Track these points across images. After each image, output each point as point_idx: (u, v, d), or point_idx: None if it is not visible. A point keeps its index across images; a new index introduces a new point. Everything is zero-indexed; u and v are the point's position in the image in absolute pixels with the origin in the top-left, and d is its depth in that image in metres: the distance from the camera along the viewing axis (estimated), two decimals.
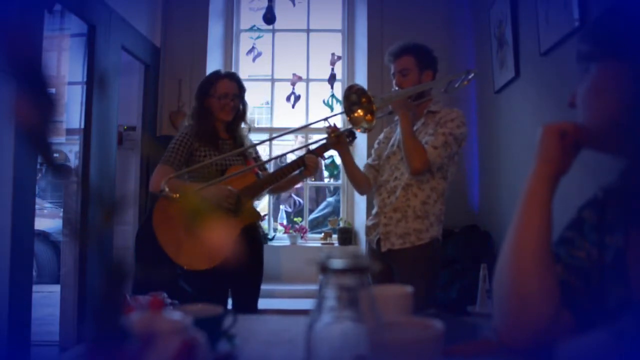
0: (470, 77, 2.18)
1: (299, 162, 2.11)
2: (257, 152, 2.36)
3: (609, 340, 0.57)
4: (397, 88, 2.08)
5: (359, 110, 1.96)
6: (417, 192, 2.00)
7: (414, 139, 1.96)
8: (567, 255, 0.76)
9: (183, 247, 1.99)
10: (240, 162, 2.18)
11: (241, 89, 2.25)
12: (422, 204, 1.99)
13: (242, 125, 2.28)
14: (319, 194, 4.30)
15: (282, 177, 2.15)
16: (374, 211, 2.14)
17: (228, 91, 2.18)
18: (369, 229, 2.14)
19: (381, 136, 2.27)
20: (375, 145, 2.26)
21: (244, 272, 2.16)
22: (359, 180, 2.18)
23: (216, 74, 2.25)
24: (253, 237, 2.22)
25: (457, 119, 1.99)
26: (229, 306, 2.21)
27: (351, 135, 2.17)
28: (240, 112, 2.25)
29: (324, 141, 2.13)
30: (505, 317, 0.74)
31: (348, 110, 1.98)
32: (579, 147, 0.76)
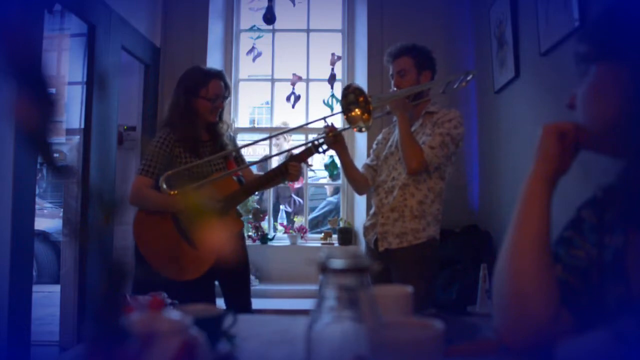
0: (469, 78, 2.18)
1: (282, 169, 2.05)
2: (238, 151, 2.26)
3: (609, 339, 0.57)
4: (395, 89, 2.09)
5: (356, 110, 1.97)
6: (414, 192, 2.01)
7: (412, 139, 1.97)
8: (566, 254, 0.76)
9: (167, 258, 1.95)
10: (222, 166, 2.12)
11: (227, 89, 2.16)
12: (419, 204, 2.00)
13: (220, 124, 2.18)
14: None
15: (264, 185, 2.11)
16: (371, 211, 2.15)
17: (219, 93, 2.09)
18: (366, 229, 2.15)
19: (379, 136, 2.28)
20: (374, 146, 2.27)
21: (231, 277, 2.16)
22: (357, 180, 2.19)
23: (206, 74, 2.12)
24: (237, 243, 2.19)
25: (455, 119, 2.00)
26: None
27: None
28: (222, 113, 2.19)
29: (309, 145, 2.08)
30: (504, 317, 0.74)
31: (345, 109, 1.98)
32: (579, 148, 0.76)
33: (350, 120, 1.99)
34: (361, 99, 1.95)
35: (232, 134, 2.30)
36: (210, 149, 2.12)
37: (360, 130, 2.02)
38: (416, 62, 2.08)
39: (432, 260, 2.05)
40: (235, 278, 2.17)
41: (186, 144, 2.05)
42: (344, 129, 2.14)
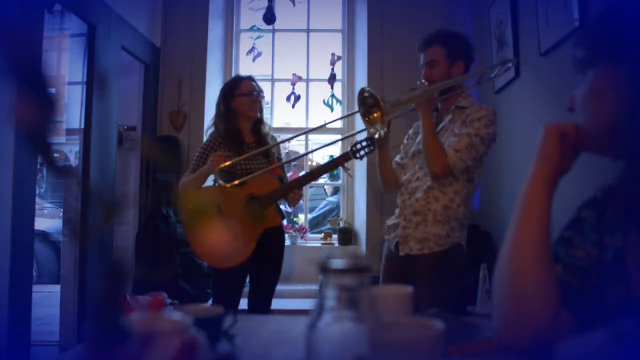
0: (510, 66, 2.08)
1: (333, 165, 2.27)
2: (279, 152, 2.46)
3: (609, 340, 0.57)
4: (424, 80, 1.93)
5: (370, 116, 1.88)
6: (439, 196, 1.86)
7: (435, 141, 1.82)
8: (566, 254, 0.76)
9: (210, 247, 2.15)
10: (265, 166, 2.27)
11: (260, 90, 2.38)
12: (444, 208, 1.85)
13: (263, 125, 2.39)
14: None
15: (304, 182, 2.31)
16: (396, 211, 2.00)
17: (252, 89, 2.32)
18: (388, 229, 2.01)
19: (410, 131, 2.11)
20: (405, 141, 2.12)
21: (261, 273, 2.29)
22: (386, 177, 2.07)
23: (237, 77, 2.42)
24: (275, 239, 2.31)
25: (486, 117, 1.81)
26: (241, 305, 2.34)
27: (371, 145, 2.10)
28: (262, 112, 2.40)
29: (346, 151, 2.15)
30: (504, 317, 0.74)
31: (366, 112, 1.89)
32: (580, 149, 0.76)
33: (370, 121, 1.90)
34: (376, 102, 1.85)
35: (273, 134, 2.48)
36: (254, 149, 2.29)
37: (379, 136, 1.94)
38: (448, 52, 1.89)
39: (455, 269, 1.90)
40: (263, 277, 2.31)
41: (230, 142, 2.26)
42: (367, 138, 2.08)
